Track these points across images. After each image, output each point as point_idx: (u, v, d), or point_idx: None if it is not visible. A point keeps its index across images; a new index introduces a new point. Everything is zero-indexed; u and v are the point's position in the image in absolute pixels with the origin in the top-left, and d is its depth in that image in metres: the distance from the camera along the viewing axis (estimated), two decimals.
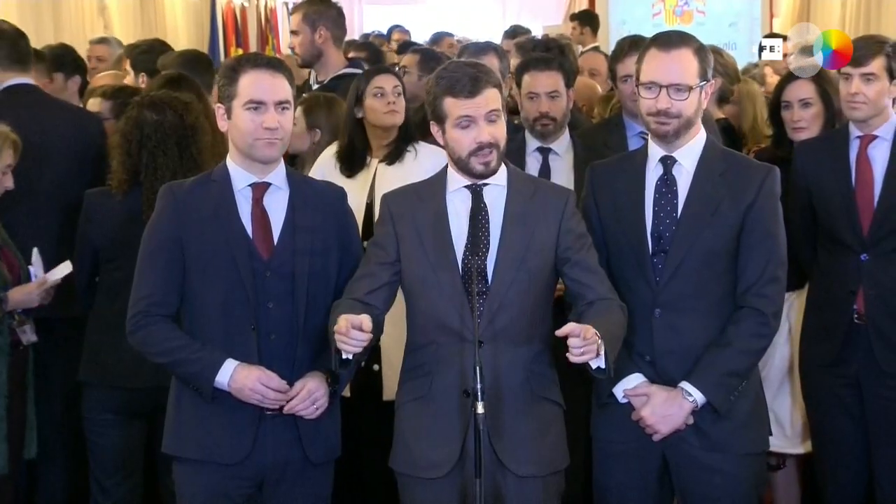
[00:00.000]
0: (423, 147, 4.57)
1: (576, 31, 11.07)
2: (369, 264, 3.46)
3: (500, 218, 3.40)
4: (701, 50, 3.51)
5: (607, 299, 3.37)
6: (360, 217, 4.47)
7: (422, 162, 4.47)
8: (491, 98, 3.36)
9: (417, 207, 3.45)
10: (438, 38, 10.56)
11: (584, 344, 3.08)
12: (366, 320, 3.12)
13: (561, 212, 3.41)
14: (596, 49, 10.48)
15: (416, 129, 4.62)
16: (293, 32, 6.00)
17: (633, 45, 4.67)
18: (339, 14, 6.02)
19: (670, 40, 3.52)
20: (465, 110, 3.36)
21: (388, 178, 4.41)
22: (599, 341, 3.12)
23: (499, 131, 3.38)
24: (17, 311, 4.25)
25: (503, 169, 3.46)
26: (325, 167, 4.65)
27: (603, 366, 3.18)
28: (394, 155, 4.60)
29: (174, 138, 4.14)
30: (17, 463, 4.35)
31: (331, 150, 4.72)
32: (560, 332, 3.12)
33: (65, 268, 4.28)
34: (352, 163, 4.61)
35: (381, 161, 4.60)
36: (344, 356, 3.18)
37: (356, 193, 4.50)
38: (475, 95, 3.35)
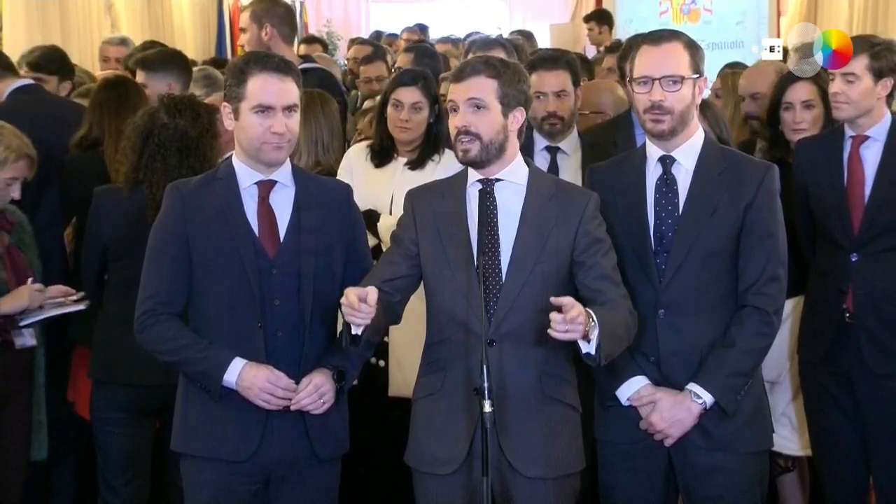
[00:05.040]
0: (448, 155, 4.56)
1: (594, 32, 11.11)
2: (392, 255, 3.47)
3: (516, 217, 3.39)
4: (692, 44, 3.53)
5: (617, 302, 3.34)
6: (384, 208, 4.50)
7: (443, 170, 4.42)
8: (474, 86, 3.35)
9: (438, 203, 3.45)
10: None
11: (568, 323, 3.03)
12: (371, 292, 3.11)
13: (580, 215, 3.39)
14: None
15: (442, 136, 4.61)
16: (242, 29, 6.00)
17: None
18: (287, 12, 6.02)
19: (661, 35, 3.56)
20: (451, 95, 3.40)
21: (407, 182, 4.38)
22: (592, 323, 3.08)
23: (480, 121, 3.34)
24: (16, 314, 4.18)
25: (523, 169, 3.45)
26: (355, 157, 4.72)
27: (593, 352, 3.14)
28: (416, 162, 4.64)
29: (176, 145, 4.14)
30: (22, 465, 4.32)
31: (363, 143, 4.80)
32: (553, 301, 3.07)
33: (73, 304, 4.24)
34: (381, 157, 4.68)
35: (406, 163, 4.65)
36: (353, 331, 3.17)
37: (384, 185, 4.58)
38: (460, 81, 3.37)
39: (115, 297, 4.25)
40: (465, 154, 3.37)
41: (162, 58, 5.47)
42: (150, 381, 4.10)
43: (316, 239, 3.46)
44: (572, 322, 3.03)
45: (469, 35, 11.28)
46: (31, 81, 5.20)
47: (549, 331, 3.06)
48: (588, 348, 3.13)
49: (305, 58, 6.28)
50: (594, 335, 3.10)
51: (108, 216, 4.25)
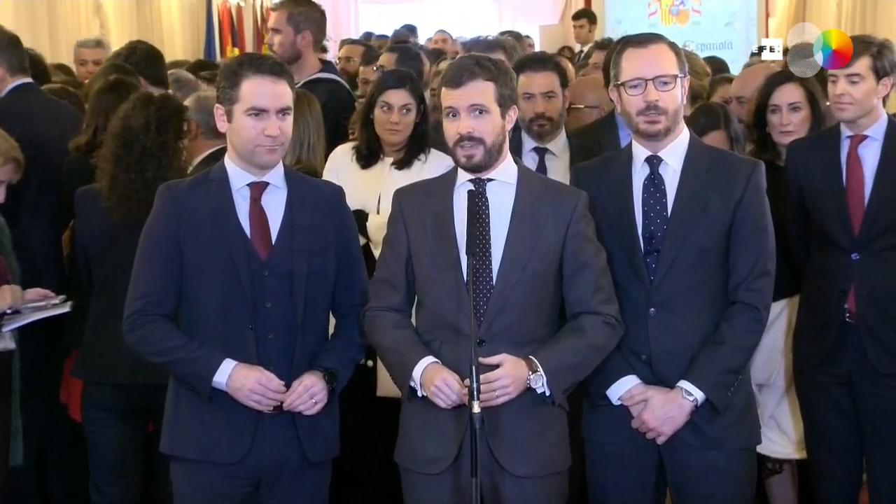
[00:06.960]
0: (434, 154, 4.58)
1: (584, 29, 11.19)
2: (389, 267, 3.47)
3: (507, 217, 3.39)
4: (674, 45, 3.55)
5: (591, 314, 3.37)
6: (372, 209, 4.51)
7: (430, 170, 4.43)
8: (476, 91, 3.34)
9: (426, 204, 3.45)
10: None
11: (493, 391, 3.25)
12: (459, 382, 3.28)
13: (570, 214, 3.39)
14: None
15: (428, 136, 4.61)
16: (274, 30, 5.91)
17: None
18: (322, 17, 6.01)
19: (645, 38, 3.57)
20: (449, 101, 3.37)
21: (394, 182, 4.39)
22: (531, 376, 3.28)
23: (482, 126, 3.34)
24: None
25: (513, 167, 3.45)
26: (340, 159, 4.71)
27: (548, 392, 3.31)
28: (403, 162, 4.63)
29: (125, 139, 4.18)
30: (2, 469, 4.30)
31: (348, 144, 4.80)
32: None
33: (54, 308, 4.18)
34: (367, 158, 4.68)
35: (392, 163, 4.64)
36: (420, 393, 3.35)
37: (371, 185, 4.58)
38: (458, 86, 3.35)
39: (97, 295, 4.27)
40: (470, 160, 3.36)
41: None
42: (135, 380, 4.08)
43: (308, 240, 3.46)
44: (495, 389, 3.26)
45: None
46: (30, 80, 5.19)
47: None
48: (541, 390, 3.32)
49: (327, 65, 6.17)
50: (539, 384, 3.30)
51: (86, 216, 4.29)
